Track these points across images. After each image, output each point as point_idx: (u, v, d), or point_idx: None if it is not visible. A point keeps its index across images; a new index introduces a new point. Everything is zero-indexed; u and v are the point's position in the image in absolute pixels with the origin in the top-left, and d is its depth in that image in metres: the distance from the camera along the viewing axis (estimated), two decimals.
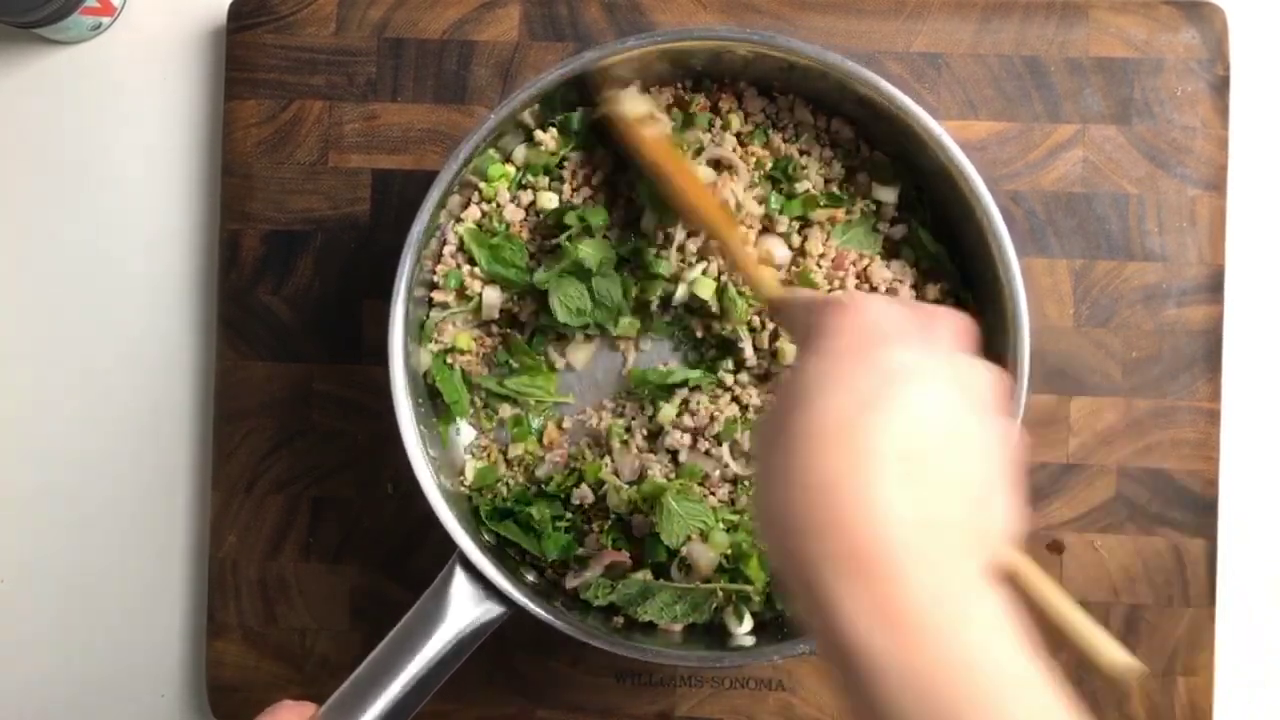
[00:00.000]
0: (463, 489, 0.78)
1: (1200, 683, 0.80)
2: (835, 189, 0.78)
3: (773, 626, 0.75)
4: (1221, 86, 0.82)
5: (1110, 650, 0.51)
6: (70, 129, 0.89)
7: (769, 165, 0.78)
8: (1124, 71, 0.82)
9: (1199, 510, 0.81)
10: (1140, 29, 0.82)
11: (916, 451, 0.46)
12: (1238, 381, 0.84)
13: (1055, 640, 0.50)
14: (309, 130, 0.84)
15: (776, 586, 0.74)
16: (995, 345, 0.73)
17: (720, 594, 0.74)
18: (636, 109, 0.74)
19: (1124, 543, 0.81)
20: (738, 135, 0.78)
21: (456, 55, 0.83)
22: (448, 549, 0.70)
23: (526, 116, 0.75)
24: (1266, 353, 0.85)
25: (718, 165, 0.77)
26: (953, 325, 0.53)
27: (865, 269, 0.77)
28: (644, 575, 0.75)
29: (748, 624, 0.75)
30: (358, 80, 0.84)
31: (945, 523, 0.46)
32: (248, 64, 0.84)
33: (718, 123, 0.78)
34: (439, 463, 0.74)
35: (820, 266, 0.77)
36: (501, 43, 0.83)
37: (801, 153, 0.78)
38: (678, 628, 0.75)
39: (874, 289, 0.77)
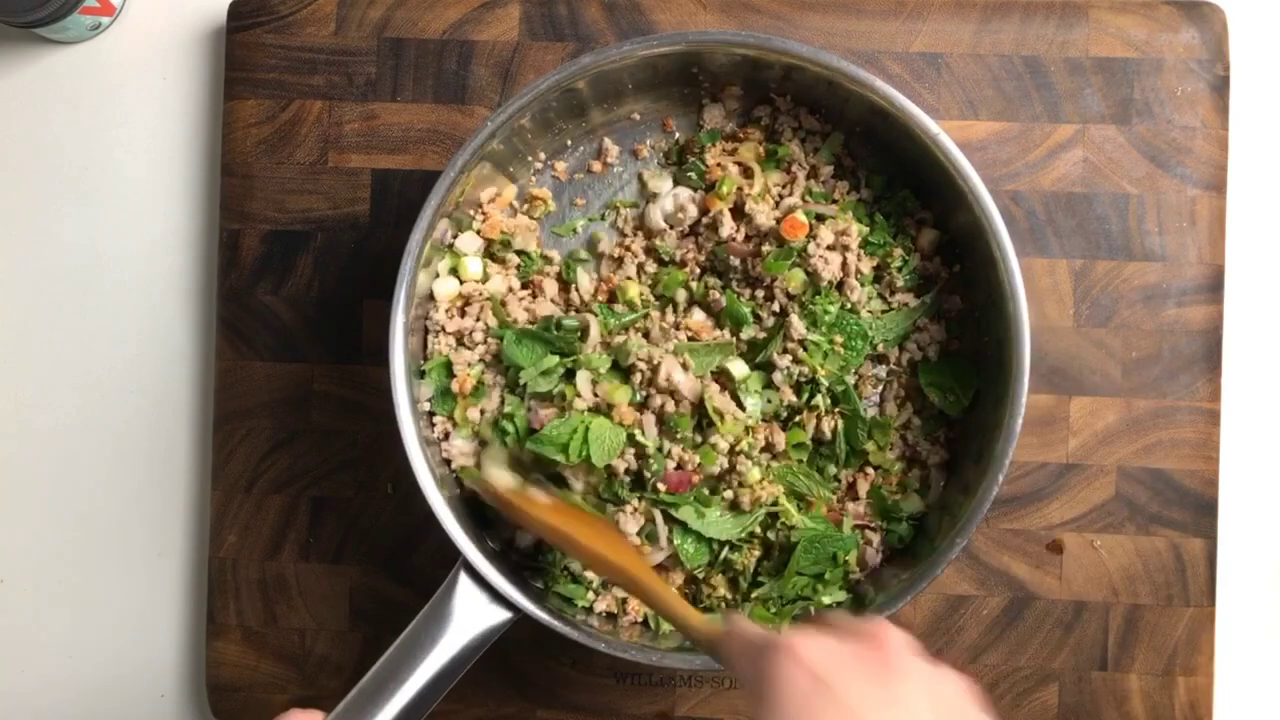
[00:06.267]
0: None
1: (1200, 683, 0.81)
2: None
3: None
4: (1221, 86, 0.82)
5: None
6: (70, 129, 0.88)
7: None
8: (1124, 71, 0.82)
9: (1199, 510, 0.81)
10: (1140, 29, 0.82)
11: None
12: (1238, 381, 0.84)
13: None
14: (309, 130, 0.84)
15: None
16: (995, 346, 0.73)
17: None
18: (503, 481, 0.72)
19: (1124, 543, 0.81)
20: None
21: (456, 55, 0.83)
22: (447, 549, 0.70)
23: None
24: (1266, 353, 0.85)
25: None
26: (898, 642, 0.52)
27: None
28: None
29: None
30: (357, 80, 0.84)
31: None
32: (247, 64, 0.84)
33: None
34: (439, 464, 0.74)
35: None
36: (501, 43, 0.83)
37: (804, 149, 0.79)
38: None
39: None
